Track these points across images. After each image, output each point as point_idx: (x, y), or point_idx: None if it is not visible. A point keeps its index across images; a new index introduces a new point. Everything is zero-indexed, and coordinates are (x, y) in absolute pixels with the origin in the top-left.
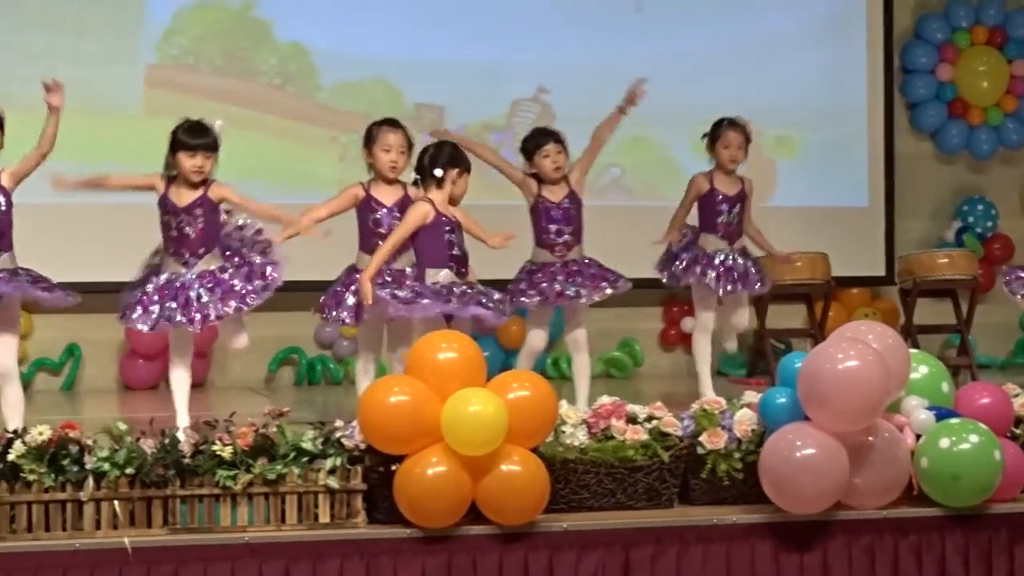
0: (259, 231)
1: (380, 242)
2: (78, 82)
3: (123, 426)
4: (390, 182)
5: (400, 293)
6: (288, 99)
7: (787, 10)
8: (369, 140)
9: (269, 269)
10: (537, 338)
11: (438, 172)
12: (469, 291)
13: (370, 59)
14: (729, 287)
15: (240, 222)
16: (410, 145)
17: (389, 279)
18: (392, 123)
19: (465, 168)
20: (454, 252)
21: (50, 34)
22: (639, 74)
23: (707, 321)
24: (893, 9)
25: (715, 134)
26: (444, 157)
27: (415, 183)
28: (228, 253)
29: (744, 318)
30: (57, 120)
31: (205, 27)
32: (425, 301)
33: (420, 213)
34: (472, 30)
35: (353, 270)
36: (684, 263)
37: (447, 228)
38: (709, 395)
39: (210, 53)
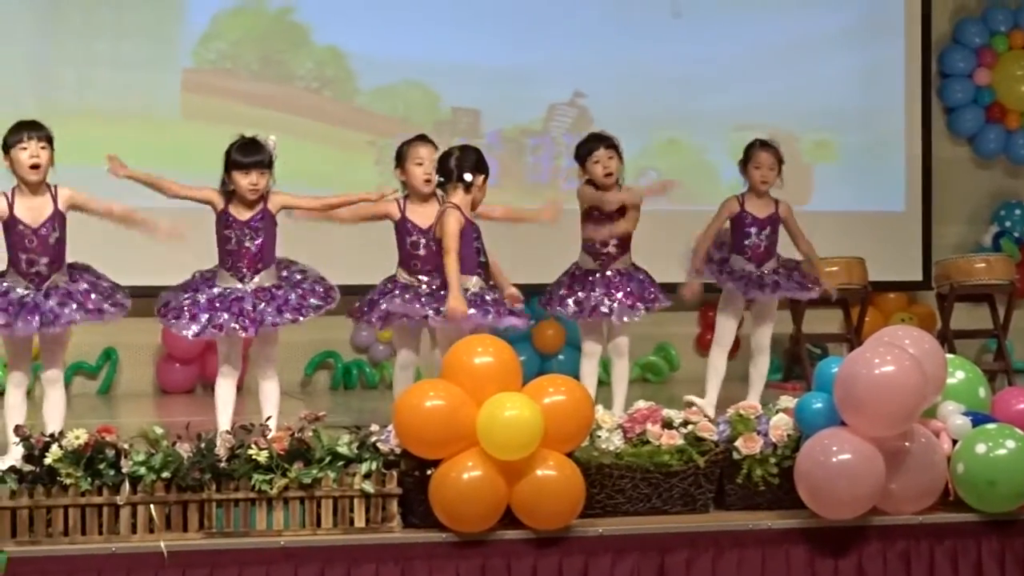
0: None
1: (418, 264)
2: (116, 87)
3: (159, 430)
4: (425, 199)
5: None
6: (325, 103)
7: (824, 14)
8: (400, 157)
9: (325, 290)
10: (591, 346)
11: (468, 177)
12: (500, 299)
13: (407, 63)
14: (746, 292)
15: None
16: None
17: (439, 290)
18: (423, 138)
19: (487, 174)
20: (481, 259)
21: (89, 39)
22: (676, 77)
23: (726, 333)
24: (931, 13)
25: (747, 155)
26: (472, 162)
27: (439, 185)
28: (285, 275)
29: (764, 336)
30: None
31: (243, 31)
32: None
33: (456, 219)
34: (509, 34)
35: (392, 280)
36: (709, 264)
37: (474, 235)
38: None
39: (247, 57)
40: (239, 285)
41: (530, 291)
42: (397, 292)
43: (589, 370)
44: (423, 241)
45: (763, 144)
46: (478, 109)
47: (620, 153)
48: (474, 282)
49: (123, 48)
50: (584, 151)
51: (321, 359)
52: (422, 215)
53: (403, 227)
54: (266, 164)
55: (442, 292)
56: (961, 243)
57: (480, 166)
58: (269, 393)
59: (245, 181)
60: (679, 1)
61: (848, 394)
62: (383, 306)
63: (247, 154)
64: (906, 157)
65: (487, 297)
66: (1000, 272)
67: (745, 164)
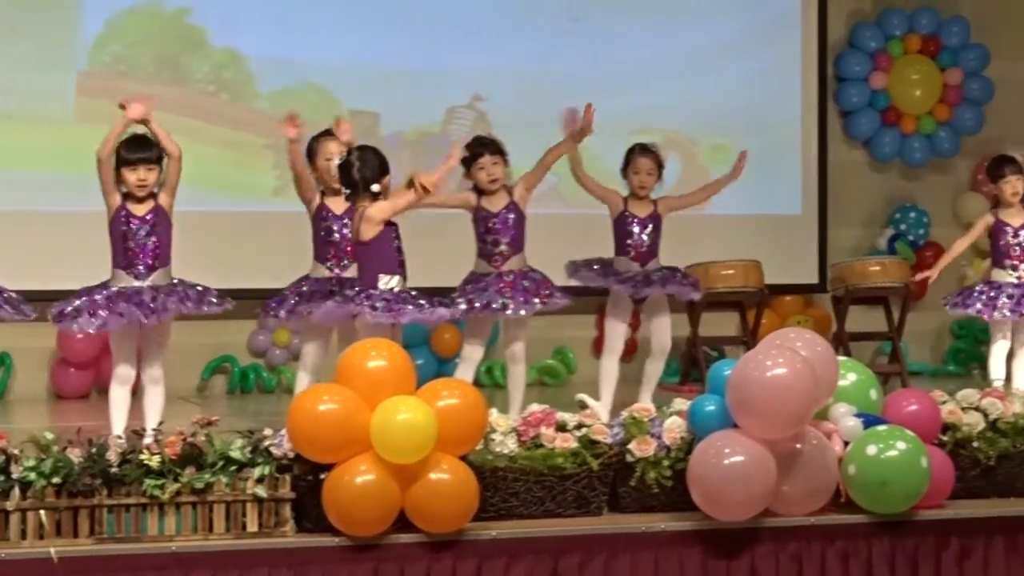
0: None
1: (333, 251)
2: (9, 89)
3: (49, 435)
4: (338, 191)
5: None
6: (222, 106)
7: (721, 19)
8: (311, 153)
9: (217, 298)
10: (472, 350)
11: (376, 188)
12: (422, 296)
13: (305, 65)
14: (633, 289)
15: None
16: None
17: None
18: (332, 133)
19: (389, 172)
20: (402, 258)
21: None
22: (574, 81)
23: (616, 339)
24: (827, 18)
25: (627, 160)
26: (373, 169)
27: (347, 197)
28: (178, 280)
29: (664, 334)
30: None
31: (139, 34)
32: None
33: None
34: (408, 36)
35: (306, 279)
36: (591, 267)
37: (394, 234)
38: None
39: (143, 60)
40: (135, 283)
41: (439, 294)
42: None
43: (464, 375)
44: (335, 227)
45: (642, 149)
46: (377, 112)
47: (505, 158)
48: (396, 281)
49: (16, 50)
50: (468, 157)
51: (218, 363)
52: (337, 202)
53: (319, 214)
54: (154, 160)
55: (357, 293)
56: (857, 246)
57: (383, 168)
58: (155, 399)
59: (133, 177)
60: (576, 6)
61: (740, 396)
62: (310, 313)
63: (133, 150)
64: (802, 160)
65: (411, 295)
66: (895, 275)
67: (625, 169)
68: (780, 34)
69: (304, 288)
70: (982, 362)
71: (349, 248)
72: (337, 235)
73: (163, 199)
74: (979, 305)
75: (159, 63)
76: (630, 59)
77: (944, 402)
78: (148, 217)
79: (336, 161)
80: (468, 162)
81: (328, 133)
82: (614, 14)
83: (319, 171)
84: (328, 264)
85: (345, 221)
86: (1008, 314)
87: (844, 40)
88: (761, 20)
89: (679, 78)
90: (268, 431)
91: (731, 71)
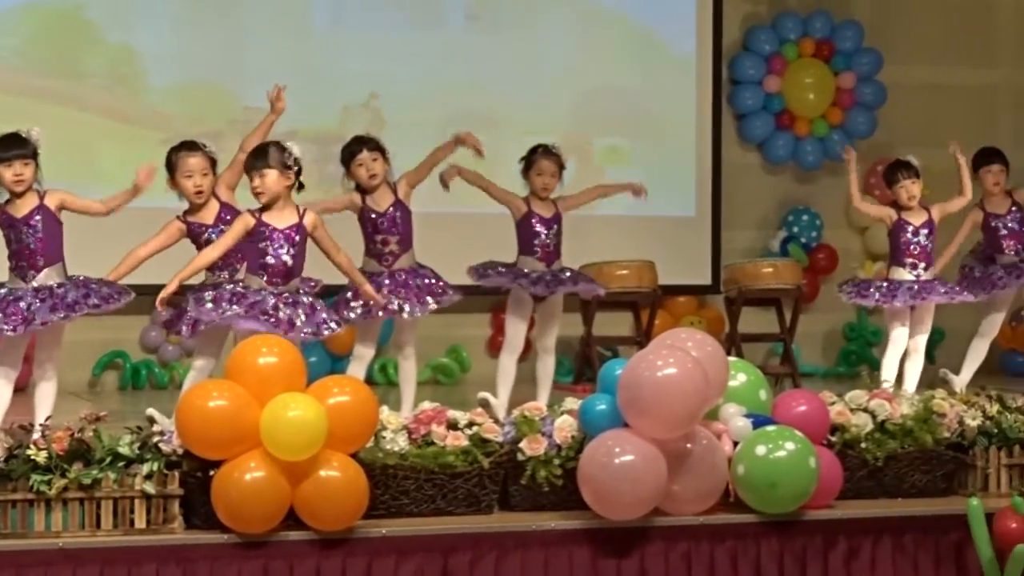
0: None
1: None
2: None
3: None
4: (200, 207)
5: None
6: (117, 101)
7: (617, 21)
8: (170, 167)
9: (111, 292)
10: (364, 348)
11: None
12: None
13: (200, 62)
14: (546, 289)
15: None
16: (213, 164)
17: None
18: (190, 147)
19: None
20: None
21: None
22: (471, 81)
23: (517, 336)
24: (722, 20)
25: (529, 161)
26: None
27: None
28: (72, 277)
29: (551, 335)
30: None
31: (33, 28)
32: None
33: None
34: (303, 34)
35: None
36: (498, 270)
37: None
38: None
39: (38, 54)
40: (21, 284)
41: (330, 292)
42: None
43: (356, 373)
44: (213, 236)
45: (545, 151)
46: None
47: (385, 155)
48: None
49: None
50: (347, 155)
51: (109, 359)
52: (208, 214)
53: (192, 229)
54: (29, 155)
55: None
56: (750, 248)
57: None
58: (45, 394)
59: (8, 173)
60: (473, 5)
61: (631, 396)
62: (191, 314)
63: (6, 147)
64: (696, 162)
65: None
66: (787, 277)
67: (527, 170)
68: (676, 36)
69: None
70: (873, 364)
71: (240, 255)
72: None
73: (49, 199)
74: (878, 295)
75: (54, 57)
76: (525, 58)
77: (833, 403)
78: (31, 218)
79: (196, 179)
80: (347, 160)
81: (185, 147)
82: (511, 13)
83: (179, 187)
84: (217, 272)
85: (220, 228)
86: (908, 300)
87: (739, 43)
88: (657, 23)
89: (574, 79)
90: (157, 427)
91: (626, 72)
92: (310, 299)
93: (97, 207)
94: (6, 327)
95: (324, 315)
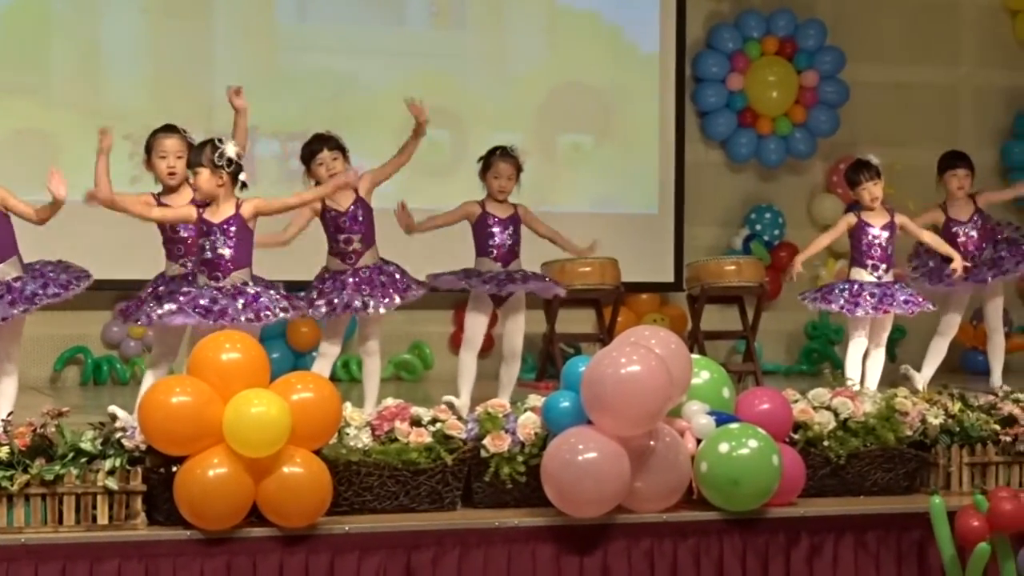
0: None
1: (182, 247)
2: None
3: None
4: (174, 189)
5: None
6: (82, 95)
7: (584, 18)
8: (148, 149)
9: (69, 278)
10: (329, 346)
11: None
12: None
13: (166, 56)
14: (497, 288)
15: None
16: (190, 147)
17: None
18: (168, 129)
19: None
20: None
21: None
22: (435, 78)
23: (476, 333)
24: (686, 18)
25: (487, 163)
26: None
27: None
28: (32, 265)
29: (516, 337)
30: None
31: None
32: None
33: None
34: (268, 30)
35: (161, 277)
36: (458, 272)
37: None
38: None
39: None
40: None
41: (296, 289)
42: (164, 293)
43: (320, 370)
44: (184, 229)
45: (503, 153)
46: None
47: (345, 154)
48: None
49: None
50: (307, 153)
51: (71, 354)
52: (177, 199)
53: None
54: None
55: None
56: (713, 246)
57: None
58: (5, 390)
59: None
60: (438, 0)
61: (594, 393)
62: (158, 312)
63: None
64: (660, 160)
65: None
66: (750, 275)
67: (485, 172)
68: (639, 33)
69: (161, 288)
70: (835, 362)
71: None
72: (184, 231)
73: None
74: (841, 301)
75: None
76: (491, 56)
77: (796, 401)
78: None
79: (171, 160)
80: (307, 159)
81: (165, 129)
82: (475, 9)
83: (152, 168)
84: (180, 261)
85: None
86: (871, 311)
87: (702, 41)
88: (620, 19)
89: (539, 76)
90: (119, 422)
91: (591, 70)
92: (256, 289)
93: (30, 213)
94: None
95: (268, 302)
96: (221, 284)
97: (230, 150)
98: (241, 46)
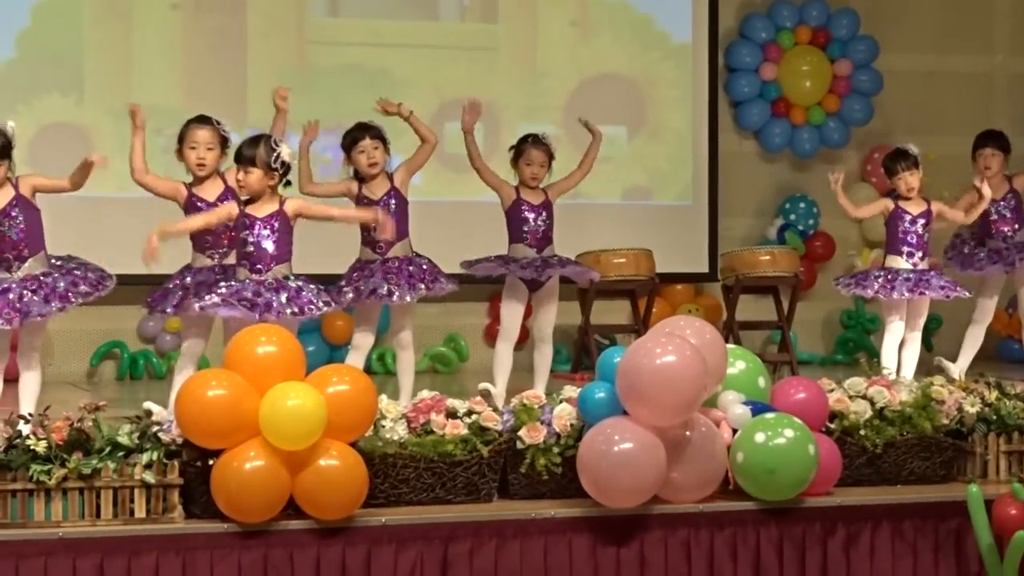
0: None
1: (210, 238)
2: None
3: None
4: (203, 180)
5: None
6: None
7: (617, 8)
8: (180, 139)
9: (97, 278)
10: (362, 337)
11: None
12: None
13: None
14: (535, 273)
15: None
16: (224, 141)
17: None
18: (201, 120)
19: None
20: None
21: None
22: (467, 70)
23: (513, 323)
24: (718, 8)
25: (519, 151)
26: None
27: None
28: (57, 263)
29: (548, 323)
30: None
31: None
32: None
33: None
34: (301, 24)
35: (188, 269)
36: (493, 259)
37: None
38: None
39: None
40: (7, 275)
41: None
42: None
43: (354, 362)
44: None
45: (535, 141)
46: None
47: (386, 144)
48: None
49: None
50: (349, 140)
51: (107, 349)
52: (208, 189)
53: (191, 205)
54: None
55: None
56: (747, 236)
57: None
58: (30, 384)
59: None
60: None
61: (630, 384)
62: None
63: None
64: (693, 150)
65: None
66: (784, 265)
67: (517, 160)
68: (670, 23)
69: (188, 280)
70: (871, 351)
71: (226, 237)
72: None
73: (24, 186)
74: (876, 286)
75: None
76: (520, 48)
77: (831, 390)
78: (10, 209)
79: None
80: (348, 146)
81: (198, 120)
82: (504, 2)
83: (183, 158)
84: (208, 252)
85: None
86: (907, 294)
87: (735, 31)
88: (651, 9)
89: (568, 67)
90: (157, 416)
91: (620, 60)
92: (298, 283)
93: (63, 184)
94: (1, 321)
95: (311, 296)
96: (263, 278)
97: (286, 153)
98: (273, 41)
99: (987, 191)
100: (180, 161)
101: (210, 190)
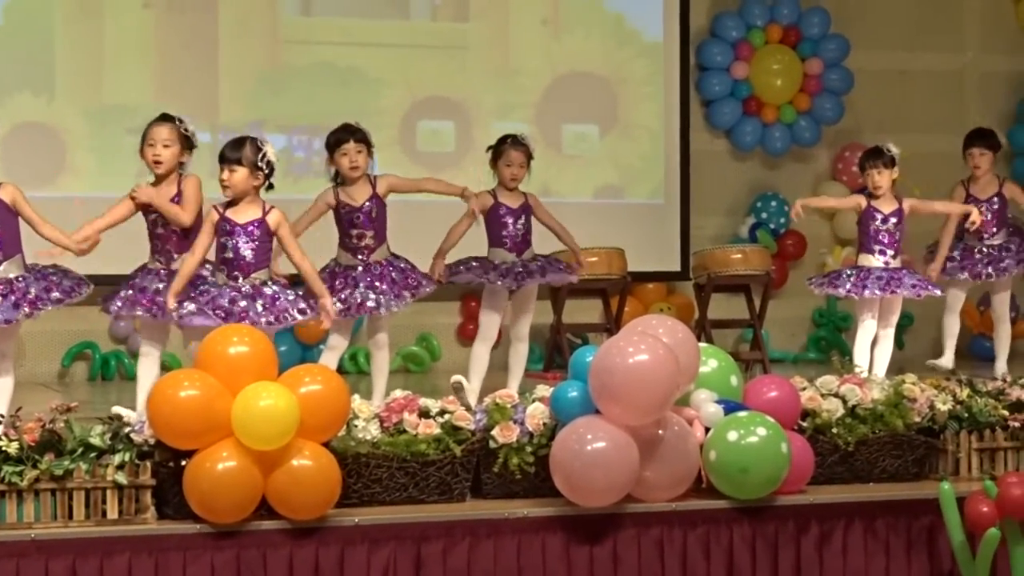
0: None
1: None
2: None
3: None
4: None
5: None
6: None
7: (583, 5)
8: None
9: (71, 284)
10: (337, 338)
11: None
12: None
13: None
14: (515, 283)
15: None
16: (185, 140)
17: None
18: (161, 118)
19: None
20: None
21: None
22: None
23: (491, 329)
24: (689, 6)
25: (497, 152)
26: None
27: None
28: (31, 267)
29: (524, 325)
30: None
31: None
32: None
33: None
34: (273, 25)
35: (143, 269)
36: (469, 265)
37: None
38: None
39: None
40: None
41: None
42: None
43: (328, 362)
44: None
45: (514, 141)
46: None
47: (370, 148)
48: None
49: None
50: (332, 141)
51: (79, 349)
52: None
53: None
54: None
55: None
56: (719, 234)
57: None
58: (2, 389)
59: None
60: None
61: (602, 383)
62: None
63: None
64: (665, 149)
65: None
66: (756, 263)
67: (495, 160)
68: (642, 22)
69: (137, 280)
70: (843, 349)
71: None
72: (161, 228)
73: (3, 193)
74: (848, 285)
75: None
76: (491, 46)
77: (804, 388)
78: None
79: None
80: (332, 147)
81: (158, 118)
82: (476, 0)
83: (144, 157)
84: (155, 256)
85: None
86: (879, 292)
87: (706, 29)
88: (623, 7)
89: (540, 65)
90: (128, 417)
91: (591, 58)
92: (274, 289)
93: (40, 227)
94: None
95: (287, 304)
96: (240, 284)
97: (271, 152)
98: (245, 40)
99: (976, 217)
100: (142, 159)
101: (165, 191)
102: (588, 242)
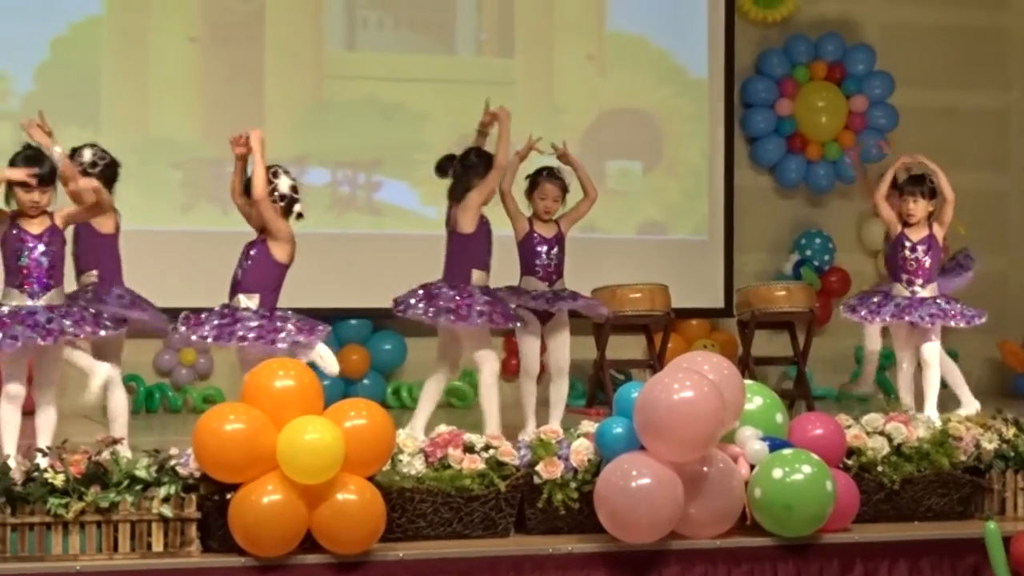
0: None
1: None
2: None
3: None
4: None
5: None
6: None
7: (629, 42)
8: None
9: (112, 322)
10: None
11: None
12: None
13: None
14: (546, 304)
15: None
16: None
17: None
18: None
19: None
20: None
21: None
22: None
23: (532, 358)
24: (734, 43)
25: (533, 184)
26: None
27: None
28: (75, 297)
29: (562, 355)
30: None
31: None
32: None
33: None
34: (319, 59)
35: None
36: (505, 292)
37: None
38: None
39: None
40: (29, 302)
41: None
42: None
43: (429, 390)
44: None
45: (549, 174)
46: None
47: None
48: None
49: None
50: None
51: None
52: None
53: None
54: (47, 180)
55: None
56: (763, 271)
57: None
58: (44, 421)
59: (27, 198)
60: (488, 28)
61: (647, 419)
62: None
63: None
64: (709, 186)
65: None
66: (800, 300)
67: (531, 192)
68: (687, 59)
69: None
70: (885, 387)
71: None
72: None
73: (58, 219)
74: (864, 312)
75: None
76: (537, 81)
77: (849, 426)
78: (43, 236)
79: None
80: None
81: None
82: (520, 33)
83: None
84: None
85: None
86: (889, 319)
87: (751, 66)
88: (669, 44)
89: (585, 101)
90: (174, 450)
91: (636, 94)
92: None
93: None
94: (33, 336)
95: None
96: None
97: (284, 185)
98: (290, 74)
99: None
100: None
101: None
102: (631, 278)
